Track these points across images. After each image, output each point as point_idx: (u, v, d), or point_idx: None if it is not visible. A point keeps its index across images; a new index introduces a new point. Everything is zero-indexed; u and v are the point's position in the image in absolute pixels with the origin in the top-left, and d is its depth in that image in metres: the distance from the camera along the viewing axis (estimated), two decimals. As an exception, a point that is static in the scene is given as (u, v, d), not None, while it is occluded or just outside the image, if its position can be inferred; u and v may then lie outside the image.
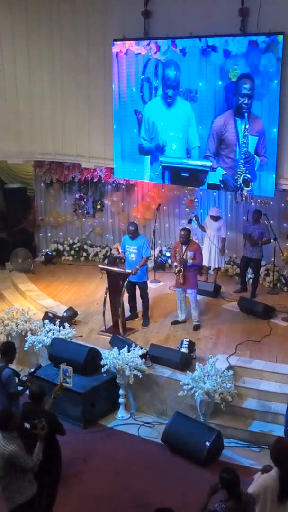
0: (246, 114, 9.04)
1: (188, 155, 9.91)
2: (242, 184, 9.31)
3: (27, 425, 5.25)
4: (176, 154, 10.05)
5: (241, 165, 9.26)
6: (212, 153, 9.55)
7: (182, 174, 10.11)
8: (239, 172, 9.28)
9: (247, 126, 9.08)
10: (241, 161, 9.23)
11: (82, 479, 6.09)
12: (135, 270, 9.04)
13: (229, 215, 11.25)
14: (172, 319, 9.59)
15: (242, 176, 9.22)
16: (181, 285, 9.19)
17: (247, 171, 9.20)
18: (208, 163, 9.73)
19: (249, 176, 9.20)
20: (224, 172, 9.47)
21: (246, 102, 8.97)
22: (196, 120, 9.69)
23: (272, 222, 10.50)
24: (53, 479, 5.63)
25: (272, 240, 10.37)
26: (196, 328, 9.19)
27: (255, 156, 9.10)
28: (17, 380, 6.42)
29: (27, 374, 6.59)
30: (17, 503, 5.00)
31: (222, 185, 9.62)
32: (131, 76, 10.25)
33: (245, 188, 9.27)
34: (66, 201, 12.93)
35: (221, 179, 9.53)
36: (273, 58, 8.67)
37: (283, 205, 10.71)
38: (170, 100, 9.89)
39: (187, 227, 9.83)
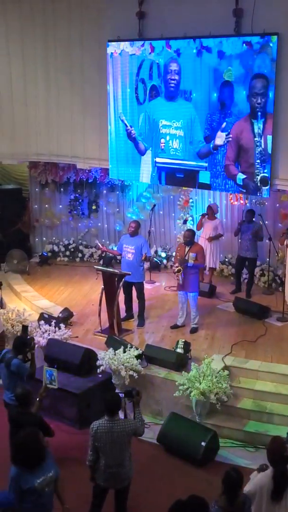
0: (259, 113, 8.92)
1: (186, 156, 9.91)
2: (259, 184, 9.20)
3: (121, 394, 5.61)
4: (176, 154, 10.03)
5: (258, 165, 9.17)
6: (232, 160, 9.41)
7: (177, 175, 10.12)
8: (257, 172, 9.18)
9: (261, 126, 8.94)
10: (258, 160, 9.15)
11: (77, 479, 6.07)
12: (144, 257, 9.11)
13: (224, 219, 11.27)
14: (168, 319, 9.60)
15: (260, 176, 9.15)
16: (182, 288, 9.15)
17: (264, 170, 9.12)
18: (204, 164, 9.73)
19: (266, 174, 9.10)
20: (245, 176, 9.34)
21: (259, 101, 8.87)
22: (200, 121, 9.63)
23: (267, 222, 10.53)
24: None
25: (267, 241, 10.42)
26: (193, 330, 9.17)
27: (271, 154, 8.97)
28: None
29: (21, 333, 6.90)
30: (131, 477, 5.44)
31: (244, 190, 9.52)
32: (126, 77, 10.26)
33: (263, 187, 9.19)
34: (61, 202, 12.93)
35: (241, 184, 9.40)
36: (267, 59, 8.68)
37: (277, 205, 10.76)
38: (172, 95, 9.82)
39: (190, 228, 9.80)
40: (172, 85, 9.81)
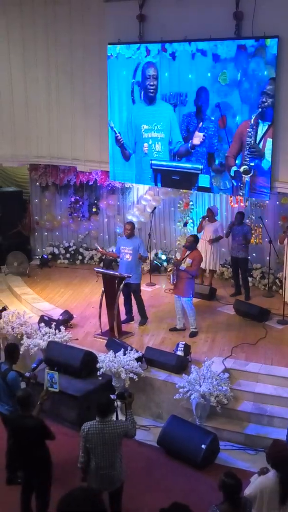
0: (259, 110, 8.90)
1: (178, 158, 9.94)
2: (240, 173, 9.20)
3: (113, 396, 5.63)
4: (160, 156, 10.10)
5: (245, 155, 9.17)
6: (233, 154, 9.42)
7: (173, 177, 10.13)
8: (244, 163, 9.20)
9: (263, 128, 8.96)
10: (246, 151, 9.14)
11: (77, 482, 6.08)
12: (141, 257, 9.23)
13: (224, 221, 11.28)
14: (167, 322, 9.60)
15: (243, 166, 9.16)
16: (175, 291, 9.15)
17: (250, 162, 9.12)
18: (199, 166, 9.73)
19: (247, 167, 9.11)
20: (237, 168, 9.40)
21: (264, 100, 8.83)
22: (179, 122, 9.75)
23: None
24: (45, 484, 5.64)
25: (267, 242, 10.45)
26: (193, 335, 9.15)
27: (265, 154, 8.98)
28: (20, 378, 6.54)
29: (30, 370, 6.67)
30: (122, 480, 5.41)
31: (235, 182, 9.47)
32: (122, 80, 10.27)
33: (244, 176, 9.16)
34: (61, 204, 12.94)
35: (233, 175, 9.42)
36: (261, 62, 8.68)
37: (278, 209, 10.76)
38: (151, 99, 9.97)
39: (194, 233, 9.82)
40: (151, 89, 9.90)
